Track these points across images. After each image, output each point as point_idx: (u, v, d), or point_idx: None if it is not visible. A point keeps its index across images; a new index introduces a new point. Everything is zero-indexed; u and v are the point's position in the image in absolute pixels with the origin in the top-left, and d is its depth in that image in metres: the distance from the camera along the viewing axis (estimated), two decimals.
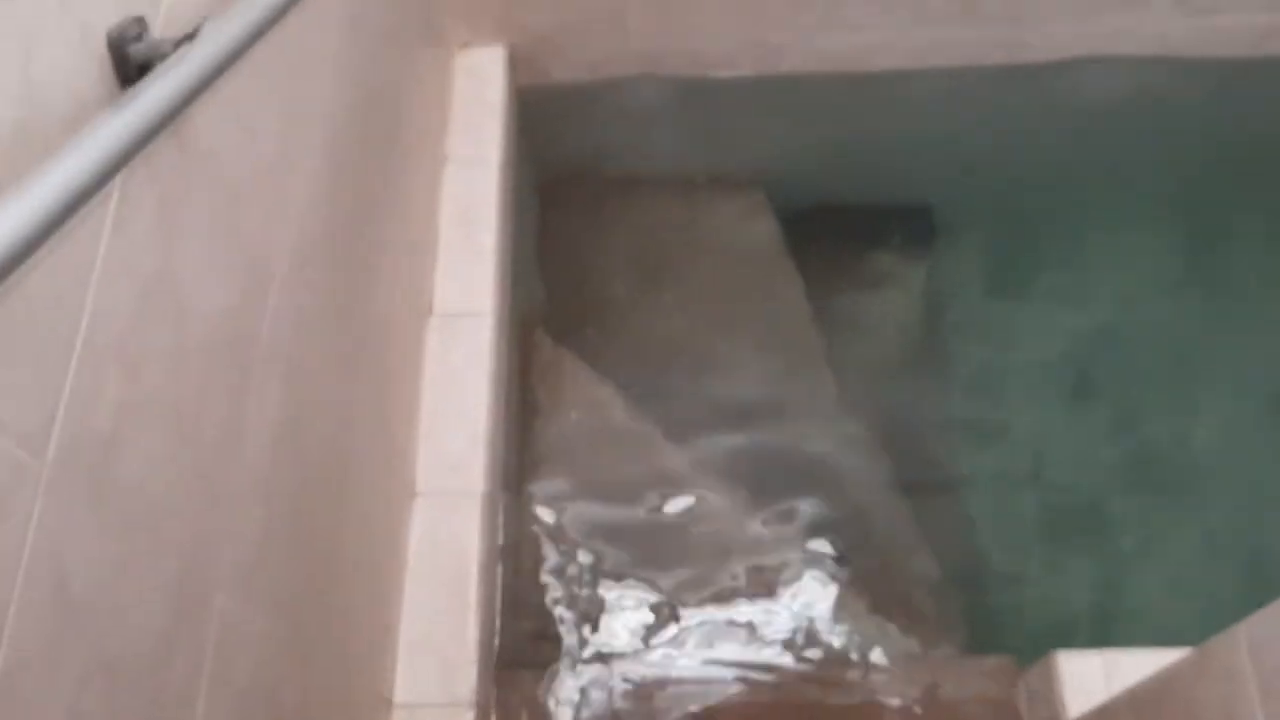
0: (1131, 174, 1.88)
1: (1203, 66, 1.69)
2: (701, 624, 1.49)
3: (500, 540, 1.44)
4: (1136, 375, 1.86)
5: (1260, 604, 1.64)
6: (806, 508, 1.60)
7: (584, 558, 1.52)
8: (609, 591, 1.51)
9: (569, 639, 1.47)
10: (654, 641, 1.48)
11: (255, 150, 0.89)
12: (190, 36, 0.66)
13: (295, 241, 0.98)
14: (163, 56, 0.64)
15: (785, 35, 1.65)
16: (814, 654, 1.46)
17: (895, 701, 1.33)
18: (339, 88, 1.13)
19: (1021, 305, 1.94)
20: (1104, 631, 1.61)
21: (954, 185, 1.93)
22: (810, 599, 1.51)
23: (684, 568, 1.51)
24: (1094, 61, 1.68)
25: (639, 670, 1.38)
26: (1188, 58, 1.68)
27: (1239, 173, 1.88)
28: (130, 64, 0.64)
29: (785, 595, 1.52)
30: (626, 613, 1.50)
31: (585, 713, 1.34)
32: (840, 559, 1.57)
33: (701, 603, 1.50)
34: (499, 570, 1.44)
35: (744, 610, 1.50)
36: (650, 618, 1.50)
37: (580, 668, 1.39)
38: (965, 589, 1.60)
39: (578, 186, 1.86)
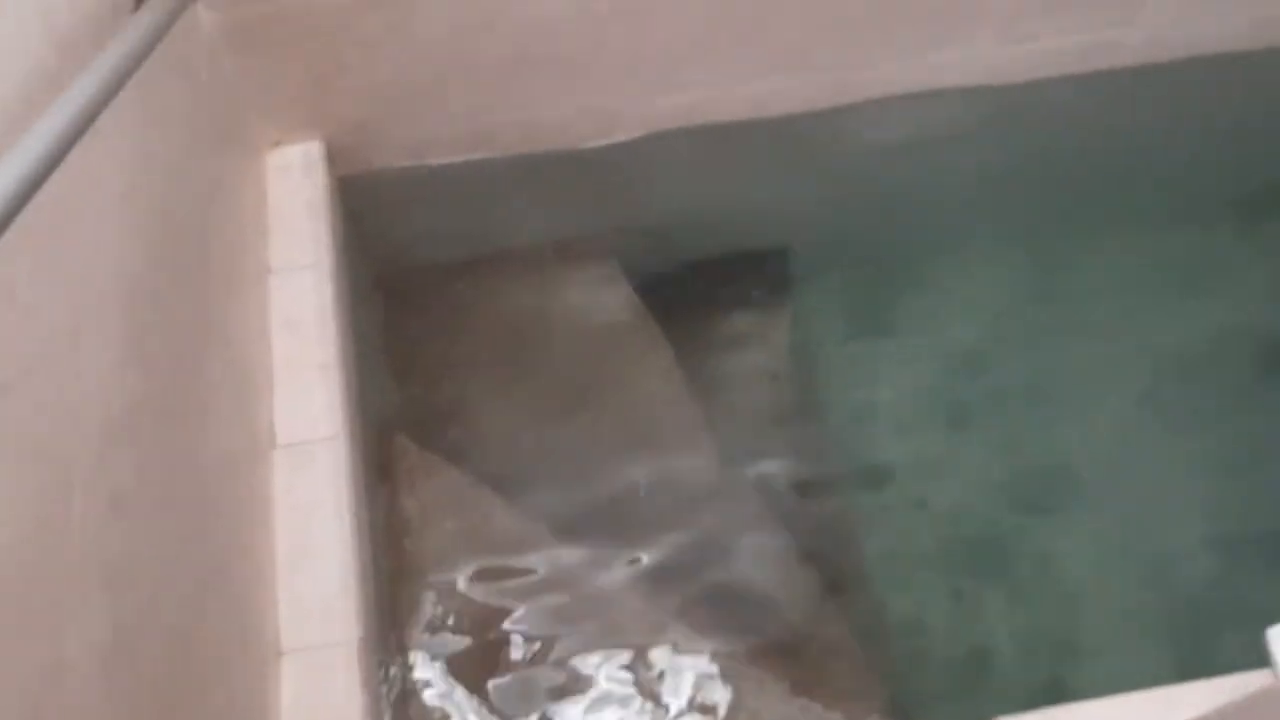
0: (973, 199, 1.89)
1: (1029, 90, 1.71)
2: None
3: (387, 691, 1.30)
4: (1007, 395, 1.87)
5: (1183, 613, 1.66)
6: (711, 592, 1.52)
7: (488, 693, 1.39)
8: None
9: None
10: None
11: (36, 333, 0.74)
12: None
13: (99, 422, 0.84)
14: None
15: (620, 99, 1.58)
16: None
17: None
18: (135, 229, 0.99)
19: (885, 341, 1.92)
20: (1030, 674, 1.59)
21: (805, 229, 1.90)
22: (729, 689, 1.42)
23: (593, 688, 1.41)
24: (927, 96, 1.68)
25: None
26: (1015, 83, 1.69)
27: (1074, 188, 1.92)
28: None
29: (701, 688, 1.43)
30: None
31: None
32: (753, 631, 1.50)
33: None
34: None
35: (659, 711, 1.41)
36: None
37: None
38: (880, 650, 1.55)
39: (419, 277, 1.74)
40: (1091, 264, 1.95)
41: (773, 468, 1.72)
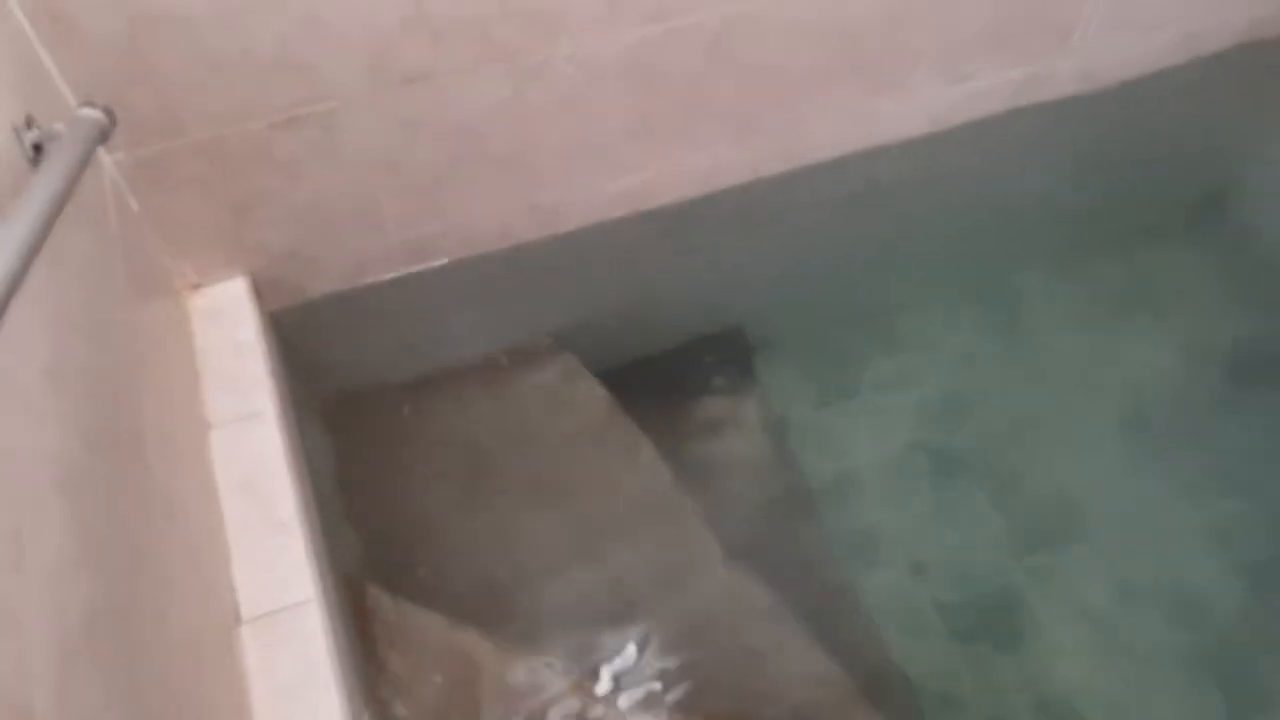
0: (927, 247, 1.85)
1: (970, 130, 1.68)
2: None
3: None
4: (990, 439, 1.81)
5: (1219, 648, 1.58)
6: (729, 696, 1.40)
7: None
8: None
9: None
10: None
11: None
12: None
13: (56, 645, 0.70)
14: None
15: (562, 192, 1.50)
16: None
17: None
18: (66, 407, 0.86)
19: (858, 402, 1.85)
20: None
21: (762, 301, 1.84)
22: None
23: None
24: (871, 151, 1.63)
25: None
26: (956, 126, 1.66)
27: (1025, 223, 1.90)
28: None
29: None
30: None
31: None
32: None
33: None
34: None
35: None
36: None
37: None
38: None
39: (368, 404, 1.61)
40: (1052, 295, 1.92)
41: (773, 558, 1.63)
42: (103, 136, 0.97)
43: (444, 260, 1.53)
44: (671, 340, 1.79)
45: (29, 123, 0.93)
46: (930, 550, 1.71)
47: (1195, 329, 1.90)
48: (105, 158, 1.20)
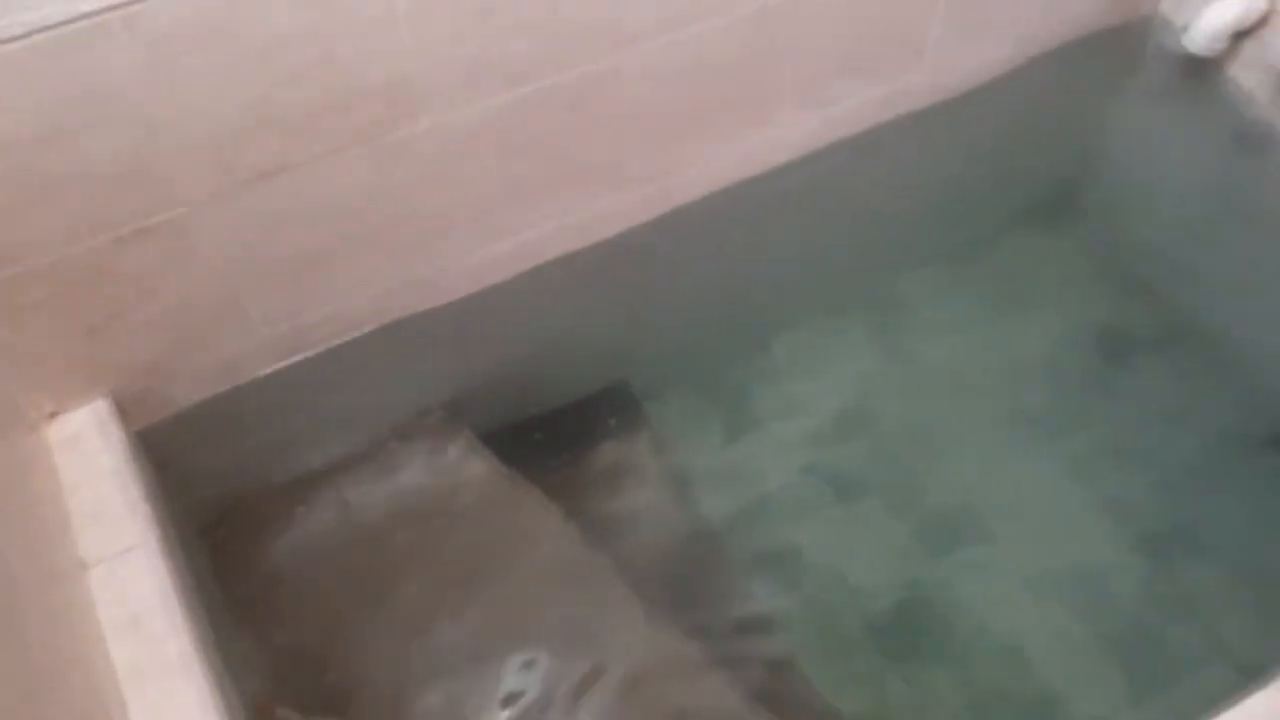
0: (805, 272, 1.87)
1: (837, 150, 1.70)
2: None
3: None
4: (887, 450, 1.83)
5: (1132, 627, 1.63)
6: None
7: None
8: None
9: None
10: None
11: None
12: None
13: None
14: None
15: (437, 263, 1.44)
16: None
17: None
18: None
19: (750, 435, 1.84)
20: None
21: (647, 346, 1.82)
22: None
23: None
24: (745, 183, 1.63)
25: None
26: (823, 147, 1.67)
27: (893, 234, 1.93)
28: None
29: None
30: None
31: None
32: None
33: None
34: None
35: None
36: None
37: None
38: None
39: (255, 513, 1.51)
40: (928, 302, 1.95)
41: (690, 604, 1.61)
42: None
43: (319, 349, 1.45)
44: (564, 396, 1.75)
45: None
46: (842, 570, 1.72)
47: (1065, 316, 1.96)
48: None
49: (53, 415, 1.28)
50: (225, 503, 1.50)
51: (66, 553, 1.21)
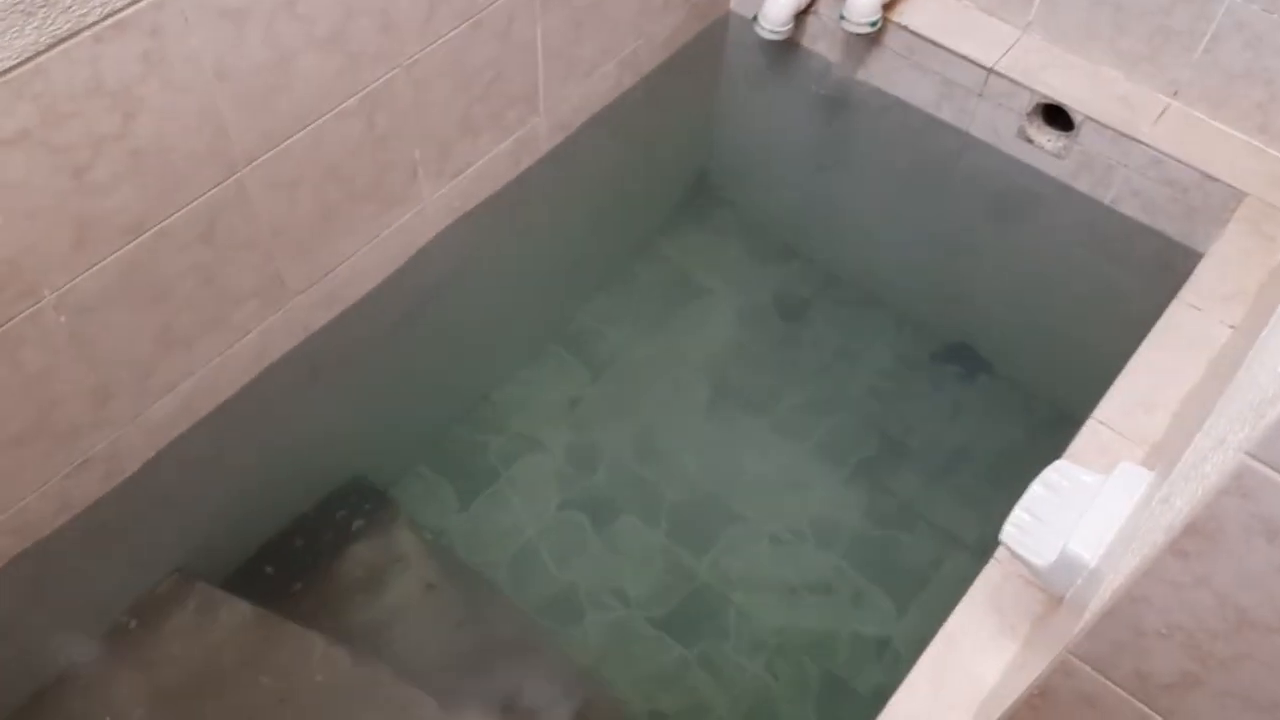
0: (489, 335, 1.93)
1: (487, 208, 1.75)
2: None
3: None
4: (620, 470, 1.91)
5: (854, 550, 1.78)
6: None
7: None
8: None
9: None
10: None
11: None
12: None
13: None
14: None
15: (109, 439, 1.37)
16: None
17: None
18: None
19: (497, 489, 1.88)
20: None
21: (373, 442, 1.82)
22: None
23: None
24: (412, 260, 1.66)
25: None
26: (473, 208, 1.73)
27: (555, 267, 2.02)
28: None
29: None
30: None
31: None
32: None
33: None
34: None
35: None
36: None
37: None
38: None
39: None
40: (612, 322, 2.06)
41: (486, 673, 1.61)
42: None
43: (5, 560, 1.34)
44: (298, 508, 1.71)
45: None
46: (622, 588, 1.78)
47: (738, 294, 2.12)
48: None
49: None
50: None
51: None
